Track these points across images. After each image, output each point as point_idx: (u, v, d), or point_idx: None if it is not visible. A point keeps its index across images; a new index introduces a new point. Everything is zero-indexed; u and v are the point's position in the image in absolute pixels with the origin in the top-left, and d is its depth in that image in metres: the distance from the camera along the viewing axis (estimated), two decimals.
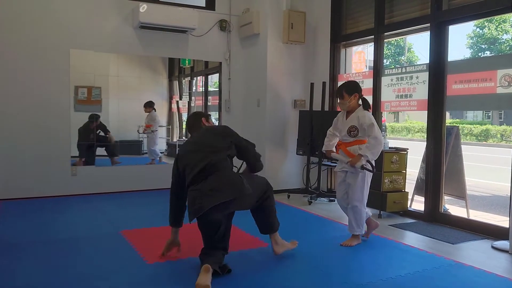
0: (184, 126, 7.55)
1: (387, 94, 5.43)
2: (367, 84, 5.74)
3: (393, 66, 20.66)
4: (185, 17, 6.13)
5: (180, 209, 3.45)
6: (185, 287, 2.88)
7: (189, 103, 7.45)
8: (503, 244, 3.88)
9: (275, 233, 3.45)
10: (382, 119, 6.41)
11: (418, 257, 3.62)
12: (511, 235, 3.77)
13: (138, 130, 6.79)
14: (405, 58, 26.40)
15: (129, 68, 6.77)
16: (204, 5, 6.69)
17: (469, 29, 24.19)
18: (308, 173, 6.04)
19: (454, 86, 4.59)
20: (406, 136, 20.99)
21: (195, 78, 7.58)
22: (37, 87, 5.62)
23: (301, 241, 3.95)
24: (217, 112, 7.13)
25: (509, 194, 3.90)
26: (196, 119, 3.55)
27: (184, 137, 7.44)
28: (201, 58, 6.89)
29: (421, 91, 4.95)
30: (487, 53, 22.64)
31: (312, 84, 6.14)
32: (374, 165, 3.81)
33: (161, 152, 7.22)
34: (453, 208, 5.35)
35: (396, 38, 11.36)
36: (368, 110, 3.91)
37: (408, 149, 5.18)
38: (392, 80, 5.37)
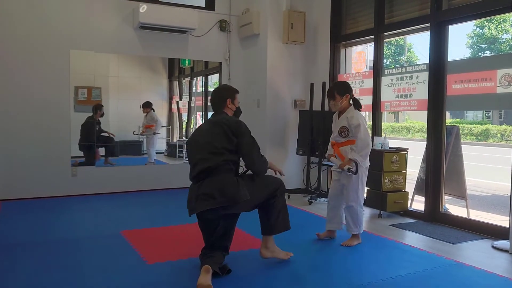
0: (184, 127, 7.56)
1: (387, 94, 5.43)
2: (367, 84, 5.74)
3: (393, 66, 20.64)
4: (185, 17, 6.14)
5: None
6: None
7: (189, 103, 7.45)
8: (503, 243, 3.88)
9: (270, 236, 3.31)
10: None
11: (419, 257, 3.62)
12: (511, 234, 3.77)
13: (134, 132, 6.76)
14: (405, 58, 26.39)
15: (129, 69, 6.77)
16: (204, 5, 6.70)
17: (469, 29, 24.20)
18: (308, 173, 6.04)
19: (454, 86, 4.59)
20: (406, 136, 20.99)
21: (195, 78, 7.58)
22: (37, 87, 5.62)
23: (301, 241, 3.96)
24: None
25: (509, 194, 3.89)
26: (221, 100, 3.32)
27: (184, 138, 7.44)
28: (201, 58, 6.89)
29: (421, 91, 4.95)
30: (487, 53, 22.63)
31: (312, 84, 6.14)
32: (359, 165, 3.80)
33: (160, 153, 7.22)
34: (453, 208, 5.35)
35: (396, 38, 11.36)
36: (359, 110, 3.92)
37: (408, 149, 5.18)
38: (392, 80, 5.36)
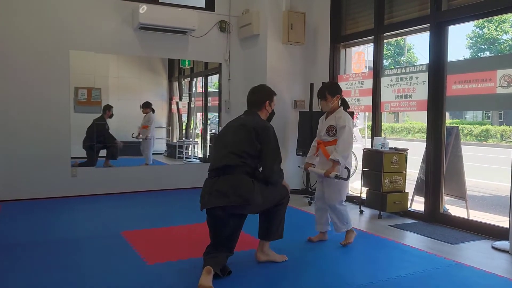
0: (184, 127, 7.55)
1: (387, 95, 5.43)
2: (366, 85, 5.74)
3: (392, 67, 20.66)
4: (185, 18, 6.14)
5: None
6: None
7: (189, 104, 7.45)
8: (503, 244, 3.88)
9: (267, 241, 3.36)
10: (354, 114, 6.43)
11: (418, 258, 3.62)
12: (511, 235, 3.77)
13: (132, 135, 6.76)
14: (405, 58, 26.41)
15: (129, 69, 6.77)
16: (203, 6, 6.71)
17: (468, 30, 24.24)
18: (308, 174, 6.04)
19: (454, 86, 4.59)
20: (406, 137, 21.00)
21: (195, 79, 7.58)
22: (37, 88, 5.62)
23: (301, 241, 3.96)
24: (217, 113, 7.13)
25: (509, 194, 3.90)
26: (260, 101, 3.32)
27: (184, 138, 7.44)
28: (200, 59, 6.89)
29: (421, 92, 4.95)
30: (487, 53, 22.65)
31: (312, 85, 6.14)
32: (350, 170, 3.82)
33: (160, 153, 7.22)
34: (453, 208, 5.35)
35: (395, 39, 11.35)
36: (347, 110, 3.94)
37: (408, 149, 5.18)
38: (392, 80, 5.37)
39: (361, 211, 5.27)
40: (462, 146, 5.24)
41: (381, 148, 5.09)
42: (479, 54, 22.90)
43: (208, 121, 7.55)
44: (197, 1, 6.66)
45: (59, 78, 5.74)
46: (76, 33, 5.82)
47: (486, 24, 21.88)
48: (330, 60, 6.26)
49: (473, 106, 5.28)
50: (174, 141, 7.47)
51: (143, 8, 5.82)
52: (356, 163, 7.30)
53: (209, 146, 7.36)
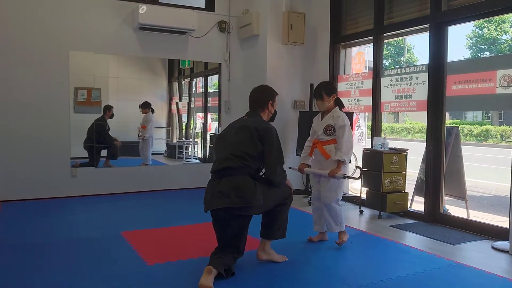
0: (183, 128, 7.56)
1: (386, 95, 5.43)
2: (366, 85, 5.74)
3: (392, 67, 20.64)
4: (185, 18, 6.14)
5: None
6: None
7: (188, 104, 7.45)
8: (503, 244, 3.88)
9: (268, 240, 3.38)
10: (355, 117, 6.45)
11: (418, 258, 3.62)
12: (511, 235, 3.77)
13: (138, 136, 6.86)
14: (405, 58, 26.41)
15: (128, 70, 6.77)
16: (203, 6, 6.71)
17: (468, 30, 24.25)
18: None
19: (454, 86, 4.59)
20: (406, 137, 21.00)
21: (194, 79, 7.58)
22: (37, 88, 5.62)
23: (300, 241, 3.96)
24: (217, 113, 7.13)
25: (509, 195, 3.90)
26: (262, 102, 3.33)
27: (184, 138, 7.44)
28: (200, 59, 6.89)
29: (421, 92, 4.95)
30: (487, 54, 22.66)
31: (311, 85, 6.14)
32: (362, 170, 3.85)
33: (160, 154, 7.22)
34: (453, 208, 5.35)
35: (395, 39, 11.36)
36: (342, 110, 3.96)
37: (408, 149, 5.18)
38: (391, 80, 5.37)
39: (361, 211, 5.26)
40: (462, 146, 5.24)
41: (381, 148, 5.09)
42: (479, 54, 22.91)
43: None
44: (197, 2, 6.66)
45: (59, 78, 5.74)
46: (76, 34, 5.82)
47: (486, 24, 21.89)
48: (330, 61, 6.26)
49: (473, 106, 5.28)
50: (174, 141, 7.47)
51: (143, 8, 5.82)
52: (356, 163, 7.30)
53: (209, 146, 7.36)
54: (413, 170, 5.86)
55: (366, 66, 7.54)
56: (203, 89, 7.53)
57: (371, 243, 4.04)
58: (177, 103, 7.39)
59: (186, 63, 7.11)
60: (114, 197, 5.97)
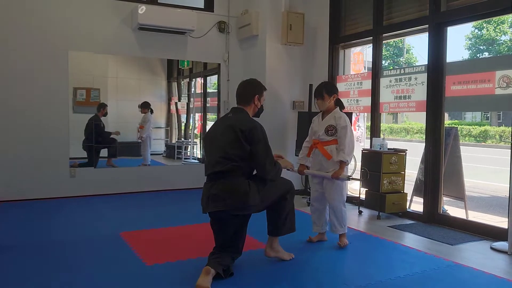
0: (182, 128, 7.56)
1: (385, 95, 5.44)
2: (365, 85, 5.74)
3: (391, 67, 20.68)
4: (184, 18, 6.14)
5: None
6: None
7: (187, 104, 7.45)
8: (502, 245, 3.88)
9: (275, 237, 3.38)
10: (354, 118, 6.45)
11: (417, 258, 3.62)
12: (510, 236, 3.77)
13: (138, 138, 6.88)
14: (404, 59, 26.43)
15: (128, 70, 6.77)
16: (202, 7, 6.71)
17: (467, 30, 24.27)
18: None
19: (453, 87, 4.60)
20: (405, 137, 21.01)
21: (194, 79, 7.58)
22: (35, 88, 5.61)
23: (299, 242, 3.95)
24: (216, 114, 7.13)
25: (508, 195, 3.90)
26: (248, 96, 3.25)
27: (183, 139, 7.44)
28: (199, 59, 6.89)
29: (420, 92, 4.96)
30: (486, 54, 22.69)
31: (310, 86, 6.14)
32: (368, 172, 3.85)
33: (159, 154, 7.22)
34: (452, 209, 5.35)
35: (394, 39, 11.36)
36: (342, 111, 3.96)
37: (407, 150, 5.18)
38: (390, 81, 5.37)
39: (360, 212, 5.27)
40: (461, 146, 5.24)
41: (380, 148, 5.09)
42: (478, 55, 22.93)
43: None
44: (196, 2, 6.66)
45: (57, 78, 5.73)
46: (75, 34, 5.81)
47: (485, 25, 21.92)
48: (329, 61, 6.27)
49: (472, 107, 5.28)
50: (173, 141, 7.47)
51: (142, 8, 5.82)
52: (355, 163, 7.29)
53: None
54: (412, 170, 5.87)
55: (365, 67, 7.55)
56: (202, 89, 7.53)
57: (370, 244, 4.04)
58: (176, 103, 7.39)
59: (185, 63, 7.11)
60: (113, 197, 5.97)
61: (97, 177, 6.11)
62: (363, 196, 5.33)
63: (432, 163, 4.84)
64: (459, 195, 5.10)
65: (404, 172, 5.13)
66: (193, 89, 7.60)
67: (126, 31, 6.13)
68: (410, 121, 24.22)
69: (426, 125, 4.91)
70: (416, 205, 5.26)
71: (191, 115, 7.50)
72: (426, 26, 4.85)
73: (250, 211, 3.11)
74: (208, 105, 7.41)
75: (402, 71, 5.28)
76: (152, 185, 6.41)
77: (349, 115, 5.47)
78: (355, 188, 5.83)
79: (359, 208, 5.33)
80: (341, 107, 3.99)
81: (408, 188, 5.24)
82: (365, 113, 6.88)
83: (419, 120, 21.94)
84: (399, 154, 5.08)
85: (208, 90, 7.48)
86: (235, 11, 6.80)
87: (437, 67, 4.74)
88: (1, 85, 5.45)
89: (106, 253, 3.63)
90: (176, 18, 6.08)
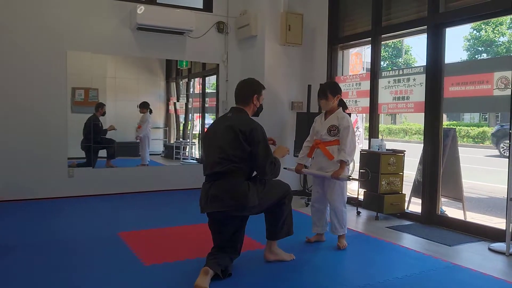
0: (181, 128, 7.55)
1: (384, 96, 5.44)
2: (364, 86, 5.75)
3: (390, 68, 20.70)
4: (183, 18, 6.14)
5: None
6: None
7: (186, 104, 7.45)
8: (499, 246, 3.89)
9: (274, 241, 3.38)
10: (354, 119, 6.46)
11: (415, 259, 3.62)
12: (507, 237, 3.78)
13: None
14: (402, 60, 26.46)
15: (126, 70, 6.76)
16: (201, 7, 6.70)
17: (466, 32, 24.30)
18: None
19: (451, 88, 4.60)
20: (403, 138, 21.02)
21: (192, 79, 7.58)
22: (34, 88, 5.61)
23: (298, 243, 3.95)
24: (215, 114, 7.13)
25: (506, 196, 3.90)
26: (247, 95, 3.24)
27: (181, 139, 7.44)
28: (198, 60, 6.89)
29: (418, 93, 4.96)
30: (484, 56, 22.72)
31: (309, 86, 6.15)
32: (369, 172, 3.84)
33: (157, 154, 7.22)
34: (450, 210, 5.36)
35: (393, 40, 11.37)
36: (345, 111, 3.96)
37: (405, 151, 5.19)
38: (389, 82, 5.38)
39: (358, 213, 5.27)
40: (459, 148, 5.25)
41: (378, 149, 5.09)
42: (476, 56, 22.97)
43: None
44: (195, 2, 6.66)
45: (56, 78, 5.72)
46: (73, 34, 5.80)
47: (483, 26, 21.94)
48: (328, 62, 6.27)
49: (470, 108, 5.30)
50: (172, 141, 7.46)
51: (141, 8, 5.82)
52: (354, 164, 7.31)
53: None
54: (410, 171, 5.87)
55: (363, 68, 7.56)
56: (201, 90, 7.53)
57: (368, 245, 4.04)
58: (174, 103, 7.39)
59: (184, 63, 7.11)
60: (111, 197, 5.96)
61: (96, 177, 6.10)
62: (361, 197, 5.33)
63: (430, 164, 4.84)
64: (457, 196, 5.11)
65: (403, 173, 5.13)
66: (191, 89, 7.60)
67: (125, 31, 6.12)
68: (409, 122, 24.23)
69: (424, 126, 4.92)
70: (414, 206, 5.27)
71: (190, 115, 7.50)
72: (425, 27, 4.86)
73: (249, 213, 3.10)
74: (206, 105, 7.41)
75: (401, 72, 5.28)
76: (151, 185, 6.40)
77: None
78: (353, 189, 5.83)
79: (357, 209, 5.33)
80: (344, 107, 3.99)
81: (406, 189, 5.24)
82: (364, 114, 6.89)
83: (417, 121, 21.94)
84: (398, 155, 5.09)
85: (207, 90, 7.48)
86: (234, 12, 6.80)
87: (435, 68, 4.74)
88: (0, 85, 5.44)
89: (104, 253, 3.62)
90: (175, 18, 6.08)
